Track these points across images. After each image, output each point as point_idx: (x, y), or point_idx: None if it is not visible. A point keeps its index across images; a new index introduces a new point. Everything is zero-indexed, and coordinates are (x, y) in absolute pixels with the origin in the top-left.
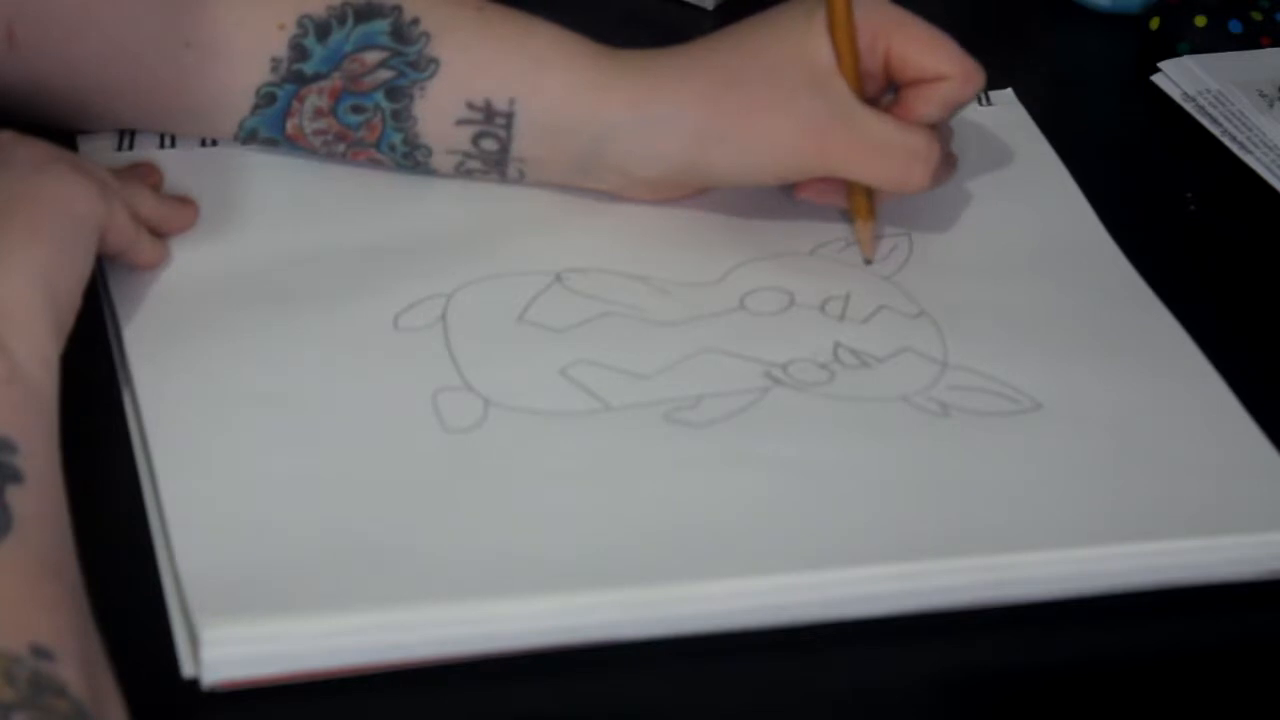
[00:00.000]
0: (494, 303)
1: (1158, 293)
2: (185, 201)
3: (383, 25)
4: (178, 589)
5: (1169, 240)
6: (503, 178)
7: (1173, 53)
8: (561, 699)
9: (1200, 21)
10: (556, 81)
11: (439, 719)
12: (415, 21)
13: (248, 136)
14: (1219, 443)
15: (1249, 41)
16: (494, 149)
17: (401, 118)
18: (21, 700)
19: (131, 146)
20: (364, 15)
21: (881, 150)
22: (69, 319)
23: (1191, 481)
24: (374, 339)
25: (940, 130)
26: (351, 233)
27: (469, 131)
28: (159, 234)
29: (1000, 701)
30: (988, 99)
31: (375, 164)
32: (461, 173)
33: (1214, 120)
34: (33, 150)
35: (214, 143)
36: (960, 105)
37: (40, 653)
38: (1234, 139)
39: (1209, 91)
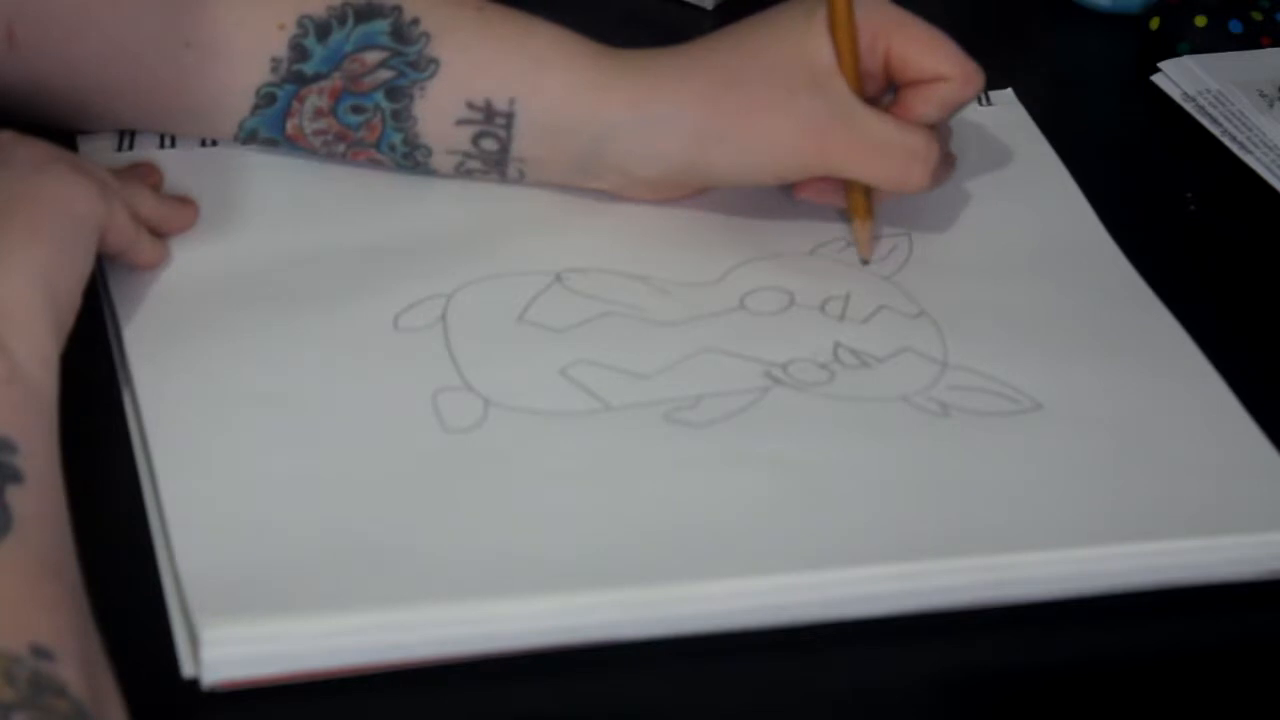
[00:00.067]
0: (494, 303)
1: (1158, 293)
2: (185, 201)
3: (383, 25)
4: (178, 589)
5: (1169, 240)
6: (503, 178)
7: (1173, 53)
8: (561, 699)
9: (1200, 21)
10: (556, 81)
11: (439, 719)
12: (415, 21)
13: (248, 137)
14: (1219, 443)
15: (1249, 41)
16: (494, 149)
17: (401, 118)
18: (21, 700)
19: (131, 146)
20: (364, 15)
21: (881, 150)
22: (69, 319)
23: (1191, 481)
24: (374, 339)
25: (940, 130)
26: (351, 233)
27: (469, 131)
28: (159, 234)
29: (1000, 701)
30: (988, 99)
31: (375, 164)
32: (461, 173)
33: (1214, 120)
34: (33, 150)
35: (214, 143)
36: (959, 106)
37: (40, 653)
38: (1234, 139)
39: (1209, 91)
